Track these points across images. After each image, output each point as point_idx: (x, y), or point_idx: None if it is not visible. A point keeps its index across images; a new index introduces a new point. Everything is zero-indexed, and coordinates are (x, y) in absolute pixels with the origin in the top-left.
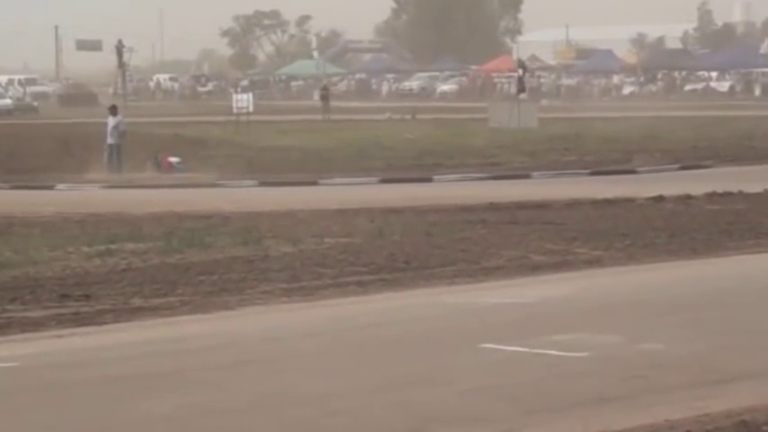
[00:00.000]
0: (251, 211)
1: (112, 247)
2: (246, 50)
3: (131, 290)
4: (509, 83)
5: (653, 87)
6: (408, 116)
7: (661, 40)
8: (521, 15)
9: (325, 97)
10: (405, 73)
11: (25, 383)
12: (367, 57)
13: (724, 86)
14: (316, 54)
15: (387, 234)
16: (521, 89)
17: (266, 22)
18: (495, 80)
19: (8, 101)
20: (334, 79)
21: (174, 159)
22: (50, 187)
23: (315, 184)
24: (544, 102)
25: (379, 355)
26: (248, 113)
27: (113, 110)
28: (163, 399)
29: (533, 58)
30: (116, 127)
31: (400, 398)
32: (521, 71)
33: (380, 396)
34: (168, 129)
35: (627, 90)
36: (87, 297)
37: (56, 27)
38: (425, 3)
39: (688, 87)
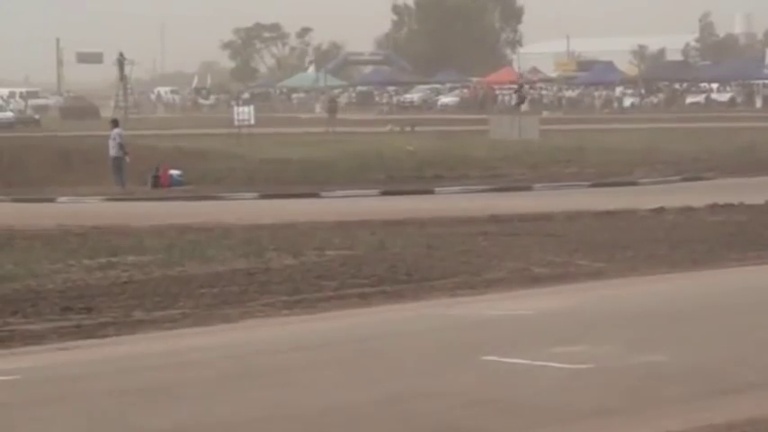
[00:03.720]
0: (252, 224)
1: (114, 259)
2: (247, 63)
3: (133, 302)
4: (510, 95)
5: (654, 99)
6: (409, 128)
7: (662, 51)
8: (521, 27)
9: (332, 109)
10: (405, 85)
11: (27, 397)
12: (368, 69)
13: (725, 98)
14: (312, 69)
15: (388, 246)
16: (520, 100)
17: (266, 34)
18: (497, 92)
19: (9, 114)
20: (336, 91)
21: (174, 172)
22: (52, 200)
23: (316, 196)
24: (545, 114)
25: (380, 367)
26: (249, 126)
27: (114, 123)
28: (165, 412)
29: (534, 69)
30: (113, 139)
31: (402, 411)
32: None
33: (382, 409)
34: (169, 141)
35: (628, 102)
36: (89, 310)
37: (57, 40)
38: (426, 15)
39: (689, 99)
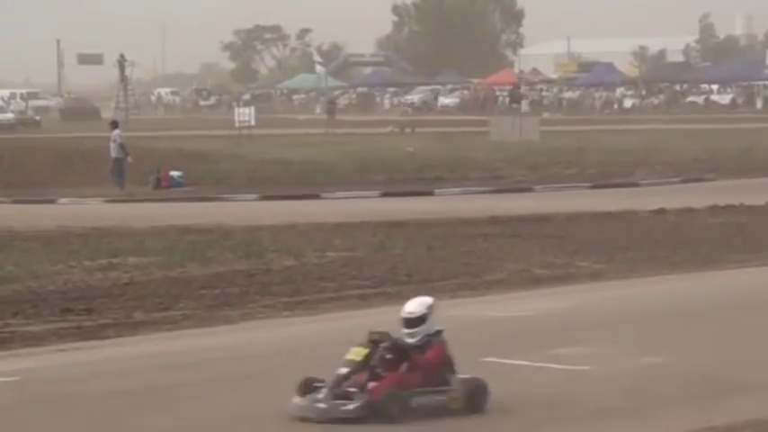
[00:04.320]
0: (253, 225)
1: (114, 260)
2: (248, 64)
3: (133, 304)
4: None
5: (654, 100)
6: (409, 129)
7: (662, 52)
8: (522, 29)
9: (331, 111)
10: (406, 86)
11: (27, 398)
12: (368, 70)
13: (725, 99)
14: (319, 68)
15: (388, 247)
16: (514, 100)
17: (267, 35)
18: (497, 93)
19: (10, 115)
20: (336, 93)
21: (175, 173)
22: (52, 201)
23: (316, 197)
24: (546, 115)
25: None
26: (250, 127)
27: (113, 124)
28: (165, 413)
29: (535, 71)
30: (114, 141)
31: None
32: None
33: None
34: (170, 143)
35: (628, 103)
36: (89, 311)
37: (57, 41)
38: (426, 16)
39: (689, 100)
